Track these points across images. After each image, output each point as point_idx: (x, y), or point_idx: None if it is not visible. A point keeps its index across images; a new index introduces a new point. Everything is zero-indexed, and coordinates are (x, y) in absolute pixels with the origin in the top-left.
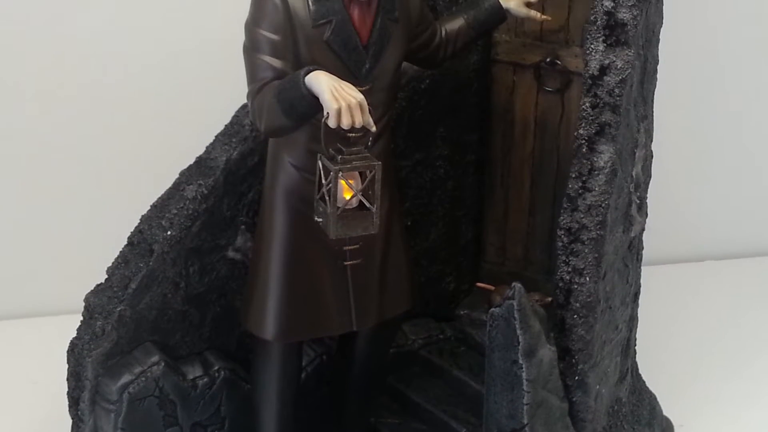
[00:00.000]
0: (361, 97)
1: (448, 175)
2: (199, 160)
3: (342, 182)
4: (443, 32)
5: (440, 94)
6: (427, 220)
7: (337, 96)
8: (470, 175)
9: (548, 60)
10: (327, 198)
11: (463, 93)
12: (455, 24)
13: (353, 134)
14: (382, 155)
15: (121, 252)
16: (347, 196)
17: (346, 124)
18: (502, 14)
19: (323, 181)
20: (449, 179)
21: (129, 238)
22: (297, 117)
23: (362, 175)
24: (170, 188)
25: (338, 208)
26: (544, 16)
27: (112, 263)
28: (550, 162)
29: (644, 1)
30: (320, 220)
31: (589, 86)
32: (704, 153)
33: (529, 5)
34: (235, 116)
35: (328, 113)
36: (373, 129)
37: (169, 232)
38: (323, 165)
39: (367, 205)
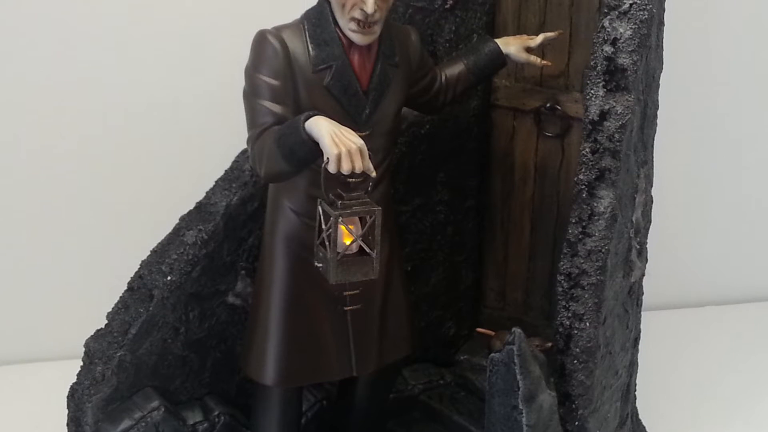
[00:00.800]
0: (361, 142)
1: (448, 220)
2: (200, 206)
3: (342, 227)
4: (443, 77)
5: (440, 139)
6: (427, 266)
7: (337, 141)
8: (470, 220)
9: (548, 105)
10: (327, 243)
11: (462, 138)
12: (455, 69)
13: (353, 179)
14: (382, 200)
15: (121, 297)
16: (347, 242)
17: (346, 169)
18: (502, 59)
19: (323, 227)
20: (449, 224)
21: (129, 283)
22: (297, 162)
23: (362, 220)
24: (170, 233)
25: (338, 253)
26: (544, 62)
27: (112, 308)
28: (550, 207)
29: (644, 47)
30: (320, 265)
31: (589, 131)
32: (704, 198)
33: (529, 50)
34: (235, 161)
35: (328, 158)
36: (373, 174)
37: (169, 278)
38: (323, 210)
39: (367, 250)
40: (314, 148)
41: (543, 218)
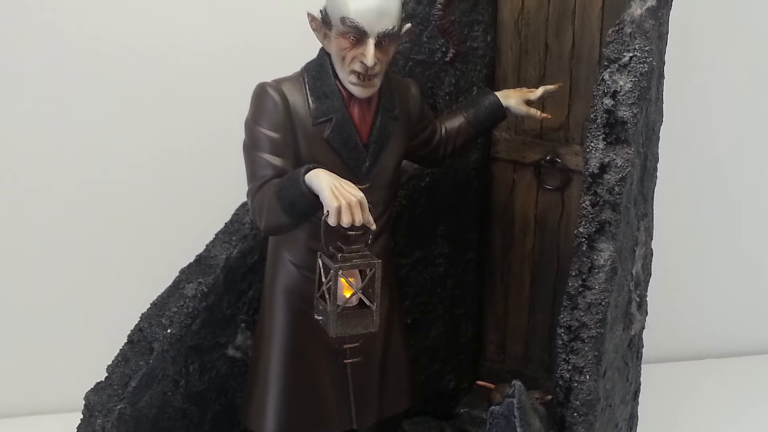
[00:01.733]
0: (361, 195)
1: (448, 273)
2: (199, 258)
3: (342, 280)
4: (443, 130)
5: (440, 192)
6: (427, 318)
7: (338, 194)
8: (470, 273)
9: (548, 158)
10: (327, 296)
11: (463, 191)
12: (455, 122)
13: (353, 232)
14: (382, 253)
15: (121, 350)
16: (347, 295)
17: (346, 222)
18: (502, 112)
19: (323, 280)
20: (449, 277)
21: (129, 336)
22: (297, 215)
23: (362, 273)
24: (170, 286)
25: (338, 306)
26: (544, 114)
27: (112, 361)
28: (550, 260)
29: (644, 100)
30: (320, 318)
31: (589, 184)
32: (704, 251)
33: (529, 103)
34: (235, 214)
35: (328, 211)
36: (374, 227)
37: (169, 330)
38: (323, 263)
39: (367, 303)
40: (314, 201)
41: (543, 271)
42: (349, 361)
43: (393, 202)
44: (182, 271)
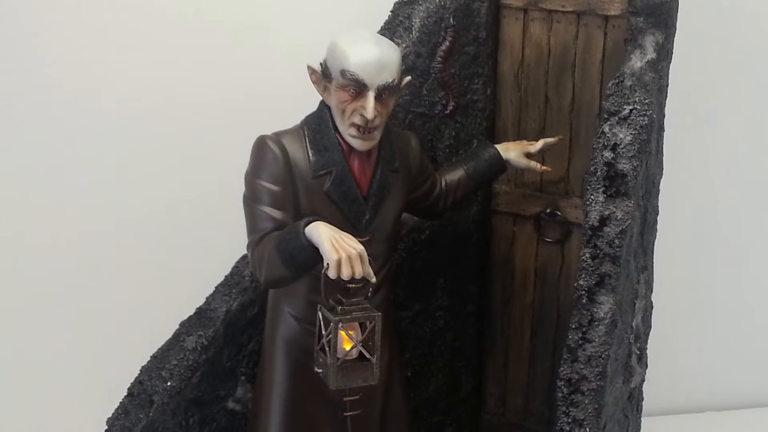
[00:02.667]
0: (361, 248)
1: (448, 326)
2: (200, 311)
3: (342, 333)
4: (443, 183)
5: (440, 245)
6: (427, 371)
7: (338, 247)
8: (470, 326)
9: (548, 211)
10: (327, 349)
11: (463, 244)
12: (455, 175)
13: (353, 285)
14: (383, 306)
15: (121, 403)
16: (347, 347)
17: (346, 275)
18: (502, 165)
19: (323, 332)
20: (449, 330)
21: (129, 389)
22: (297, 267)
23: (362, 325)
24: (170, 339)
25: (338, 359)
26: (544, 167)
27: (112, 414)
28: (550, 313)
29: (644, 152)
30: (320, 371)
31: (589, 237)
32: (704, 304)
33: (529, 156)
34: (235, 267)
35: (328, 264)
36: (374, 280)
37: (169, 383)
38: (323, 316)
39: (367, 355)
40: (314, 254)
41: (543, 324)
42: (349, 413)
43: (393, 254)
44: (182, 324)
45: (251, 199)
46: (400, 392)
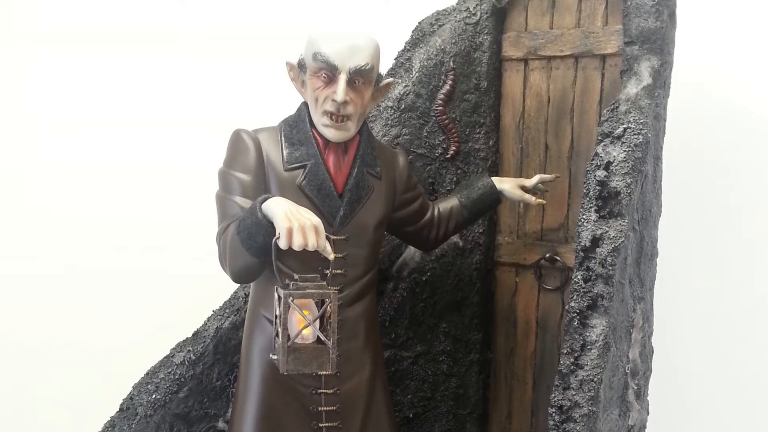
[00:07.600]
0: (317, 220)
1: (451, 371)
2: (196, 333)
3: (297, 314)
4: (437, 211)
5: (442, 289)
6: (431, 416)
7: (290, 216)
8: (474, 374)
9: (548, 256)
10: (279, 329)
11: (465, 291)
12: (449, 204)
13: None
14: (365, 316)
15: (111, 417)
16: (301, 327)
17: (297, 244)
18: (496, 195)
19: (278, 312)
20: (453, 376)
21: (121, 404)
22: (257, 249)
23: (319, 306)
24: (164, 358)
25: (289, 337)
26: (538, 200)
27: (101, 429)
28: (551, 361)
29: (639, 171)
30: (275, 357)
31: (582, 259)
32: (706, 352)
33: (523, 188)
34: (234, 293)
35: (279, 234)
36: (331, 257)
37: (154, 395)
38: (278, 295)
39: (323, 338)
40: (271, 230)
41: (544, 373)
42: (324, 425)
43: (375, 264)
44: (178, 345)
45: (222, 190)
46: (383, 408)
